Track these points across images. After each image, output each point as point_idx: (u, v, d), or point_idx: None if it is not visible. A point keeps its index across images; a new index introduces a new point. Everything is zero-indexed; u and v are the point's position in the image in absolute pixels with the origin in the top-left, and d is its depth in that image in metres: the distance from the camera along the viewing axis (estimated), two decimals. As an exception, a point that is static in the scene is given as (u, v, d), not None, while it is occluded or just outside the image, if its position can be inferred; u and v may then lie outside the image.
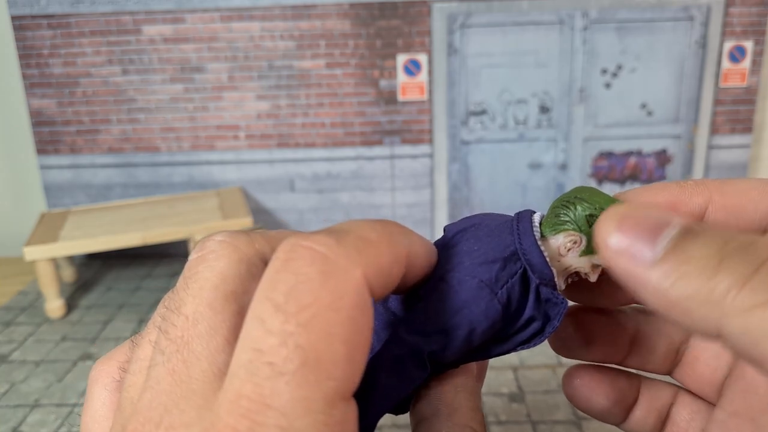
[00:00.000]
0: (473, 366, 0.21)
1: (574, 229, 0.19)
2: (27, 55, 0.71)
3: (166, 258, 0.75)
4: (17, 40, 0.71)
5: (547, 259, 0.19)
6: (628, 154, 0.74)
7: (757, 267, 0.14)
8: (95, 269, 0.73)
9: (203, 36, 0.70)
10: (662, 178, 0.75)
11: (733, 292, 0.14)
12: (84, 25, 0.70)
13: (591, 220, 0.19)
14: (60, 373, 0.52)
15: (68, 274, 0.69)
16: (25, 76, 0.72)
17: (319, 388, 0.14)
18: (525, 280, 0.19)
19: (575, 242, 0.19)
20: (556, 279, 0.20)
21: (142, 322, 0.60)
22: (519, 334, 0.20)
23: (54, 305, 0.61)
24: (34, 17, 0.70)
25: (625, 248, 0.16)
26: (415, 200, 0.75)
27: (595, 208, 0.19)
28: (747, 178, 0.20)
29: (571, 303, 0.22)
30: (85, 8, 0.70)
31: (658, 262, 0.15)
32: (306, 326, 0.14)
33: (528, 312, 0.19)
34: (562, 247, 0.19)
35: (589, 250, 0.19)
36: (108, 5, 0.69)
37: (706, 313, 0.14)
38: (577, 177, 0.74)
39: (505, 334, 0.20)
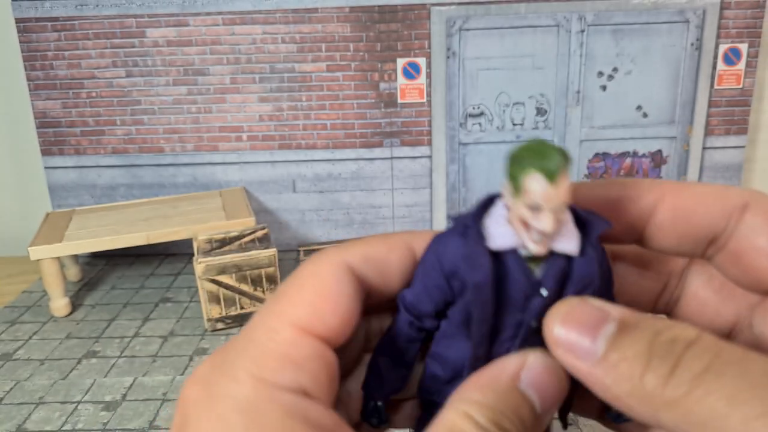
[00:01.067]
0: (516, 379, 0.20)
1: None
2: (32, 57, 0.72)
3: (169, 257, 0.76)
4: (22, 42, 0.72)
5: (503, 218, 0.19)
6: (624, 155, 0.75)
7: (675, 363, 0.16)
8: (100, 268, 0.74)
9: (206, 39, 0.71)
10: (657, 178, 0.75)
11: (659, 391, 0.16)
12: (88, 27, 0.71)
13: (510, 162, 0.18)
14: (64, 371, 0.53)
15: (73, 273, 0.70)
16: (29, 78, 0.73)
17: (276, 313, 0.19)
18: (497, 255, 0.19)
19: (505, 187, 0.18)
20: (503, 227, 0.19)
21: (146, 320, 0.61)
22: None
23: (59, 304, 0.62)
24: (38, 20, 0.71)
25: (570, 345, 0.18)
26: (414, 201, 0.76)
27: (516, 150, 0.18)
28: (708, 183, 0.20)
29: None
30: (90, 11, 0.71)
31: (599, 360, 0.17)
32: (286, 282, 0.20)
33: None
34: (506, 200, 0.18)
35: (516, 189, 0.18)
36: (112, 8, 0.70)
37: (644, 409, 0.16)
38: (573, 178, 0.75)
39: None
